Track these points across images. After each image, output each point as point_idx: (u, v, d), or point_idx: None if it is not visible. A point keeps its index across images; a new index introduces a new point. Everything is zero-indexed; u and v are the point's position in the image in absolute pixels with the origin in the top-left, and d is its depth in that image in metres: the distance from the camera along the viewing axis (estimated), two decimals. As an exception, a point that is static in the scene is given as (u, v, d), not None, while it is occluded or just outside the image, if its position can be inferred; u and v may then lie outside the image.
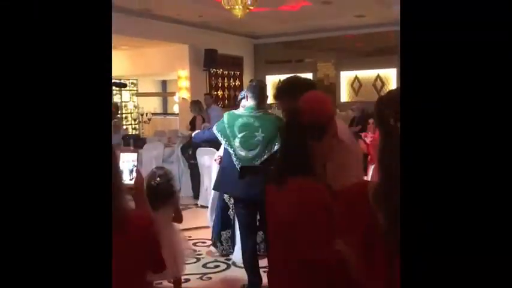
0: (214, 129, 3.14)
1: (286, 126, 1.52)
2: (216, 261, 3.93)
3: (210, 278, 3.62)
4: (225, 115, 3.17)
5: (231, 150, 2.99)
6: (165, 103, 13.00)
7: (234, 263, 3.81)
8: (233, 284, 3.46)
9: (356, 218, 1.14)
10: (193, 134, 3.81)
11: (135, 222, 1.30)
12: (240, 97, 3.81)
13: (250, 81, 3.38)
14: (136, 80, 11.74)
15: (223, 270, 3.77)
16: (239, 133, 2.97)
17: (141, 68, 9.82)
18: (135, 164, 1.50)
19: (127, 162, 1.49)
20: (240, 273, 3.57)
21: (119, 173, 1.33)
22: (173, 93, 10.88)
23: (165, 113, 12.40)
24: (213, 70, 9.67)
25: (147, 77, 11.61)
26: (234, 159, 2.97)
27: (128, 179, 1.49)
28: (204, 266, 3.80)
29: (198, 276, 3.62)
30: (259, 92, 3.05)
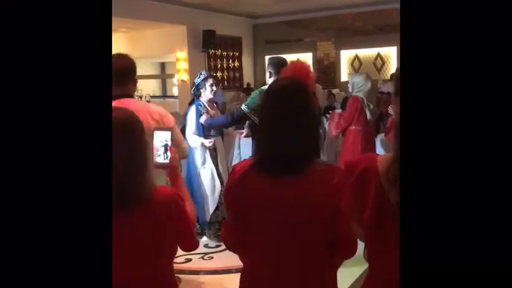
0: (244, 108, 3.19)
1: (288, 103, 1.28)
2: (218, 240, 3.97)
3: (212, 258, 3.67)
4: (256, 92, 3.26)
5: None
6: (164, 85, 12.93)
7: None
8: (234, 264, 3.50)
9: (366, 195, 1.12)
10: (202, 121, 3.77)
11: (162, 200, 1.30)
12: (197, 80, 3.82)
13: (270, 58, 3.40)
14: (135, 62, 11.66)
15: (225, 249, 3.81)
16: None
17: (139, 51, 9.72)
18: (169, 142, 1.49)
19: (160, 141, 1.48)
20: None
21: (148, 150, 1.33)
22: (172, 75, 10.80)
23: (164, 95, 12.35)
24: (211, 51, 9.59)
25: (145, 59, 11.51)
26: None
27: (162, 157, 1.48)
28: (206, 245, 3.85)
29: (200, 256, 3.67)
30: (281, 68, 3.11)
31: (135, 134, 1.28)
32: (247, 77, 10.88)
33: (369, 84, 4.17)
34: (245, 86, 10.55)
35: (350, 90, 4.25)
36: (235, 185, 1.31)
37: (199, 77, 3.82)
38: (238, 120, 3.54)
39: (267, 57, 4.36)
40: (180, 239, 1.37)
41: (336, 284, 1.35)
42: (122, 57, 2.31)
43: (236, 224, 1.35)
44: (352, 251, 1.28)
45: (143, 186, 1.26)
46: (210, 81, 3.79)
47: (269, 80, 3.29)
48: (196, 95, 3.87)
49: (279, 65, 3.16)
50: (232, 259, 3.72)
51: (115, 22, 7.88)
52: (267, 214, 1.27)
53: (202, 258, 3.65)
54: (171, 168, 1.50)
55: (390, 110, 4.25)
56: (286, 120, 1.26)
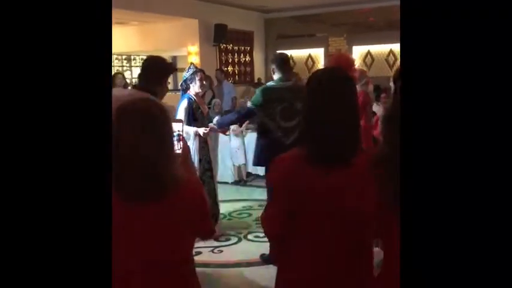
0: (250, 105, 3.27)
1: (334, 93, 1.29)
2: (228, 234, 4.00)
3: (221, 251, 3.69)
4: (260, 89, 3.33)
5: (271, 123, 3.11)
6: (175, 79, 12.96)
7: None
8: (244, 257, 3.52)
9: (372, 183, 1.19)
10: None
11: (187, 189, 1.32)
12: (186, 75, 3.84)
13: (273, 55, 3.49)
14: (147, 55, 11.71)
15: (235, 243, 3.84)
16: (279, 105, 3.09)
17: (151, 44, 9.76)
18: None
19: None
20: (251, 246, 3.63)
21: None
22: (183, 69, 10.83)
23: (175, 89, 12.37)
24: (223, 45, 9.58)
25: (157, 52, 11.50)
26: (277, 131, 3.10)
27: (176, 147, 1.53)
28: (215, 239, 3.87)
29: (210, 249, 3.69)
30: (283, 64, 3.20)
31: (166, 123, 1.31)
32: (259, 71, 10.86)
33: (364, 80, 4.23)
34: (256, 80, 10.53)
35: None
36: (288, 177, 1.31)
37: (188, 71, 3.87)
38: (245, 117, 3.62)
39: (278, 52, 4.39)
40: (201, 226, 1.39)
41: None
42: (156, 59, 2.62)
43: (286, 214, 1.34)
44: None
45: (173, 175, 1.29)
46: (199, 75, 3.84)
47: (274, 76, 3.31)
48: (184, 89, 3.90)
49: (280, 61, 3.20)
50: (241, 253, 3.77)
51: (127, 15, 7.92)
52: (323, 203, 1.29)
53: (212, 251, 3.68)
54: (183, 157, 1.53)
55: (374, 106, 4.32)
56: (339, 111, 1.27)
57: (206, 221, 1.41)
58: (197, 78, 3.82)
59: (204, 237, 1.47)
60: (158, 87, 2.46)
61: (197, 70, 3.91)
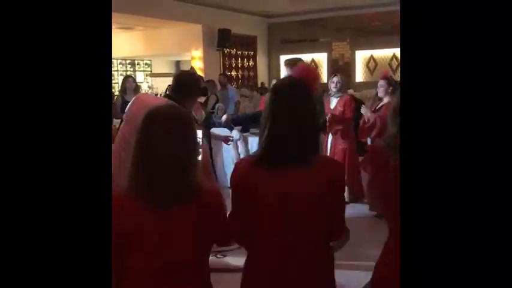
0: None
1: (293, 100, 1.38)
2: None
3: (224, 256, 3.68)
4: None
5: None
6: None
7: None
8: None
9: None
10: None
11: (209, 195, 1.34)
12: None
13: (287, 60, 3.54)
14: (150, 60, 11.75)
15: (238, 248, 3.83)
16: None
17: (155, 49, 9.81)
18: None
19: None
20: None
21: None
22: (201, 86, 10.86)
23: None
24: (226, 50, 9.61)
25: (161, 57, 11.59)
26: None
27: None
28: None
29: (213, 254, 3.69)
30: None
31: (192, 130, 1.34)
32: (262, 76, 10.88)
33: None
34: (259, 85, 10.55)
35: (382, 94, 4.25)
36: (240, 180, 1.38)
37: None
38: (254, 119, 3.61)
39: (281, 57, 4.41)
40: (220, 232, 1.40)
41: (333, 262, 1.44)
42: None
43: (241, 216, 1.41)
44: (345, 235, 1.44)
45: (195, 181, 1.31)
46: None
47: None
48: None
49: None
50: (244, 258, 3.76)
51: (132, 20, 7.97)
52: (272, 205, 1.34)
53: (216, 256, 3.67)
54: (204, 164, 1.53)
55: (362, 109, 4.27)
56: (287, 114, 1.34)
57: (225, 228, 1.42)
58: None
59: (222, 244, 1.48)
60: (188, 102, 2.52)
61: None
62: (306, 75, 1.43)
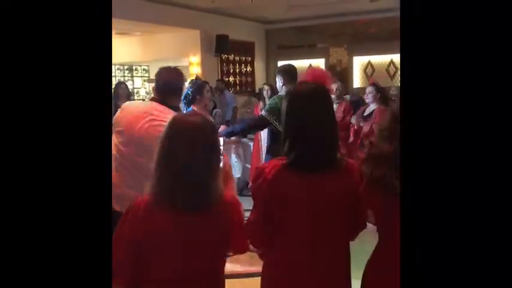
0: (266, 114, 3.23)
1: (313, 103, 1.40)
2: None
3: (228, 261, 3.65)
4: (276, 99, 3.29)
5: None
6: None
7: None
8: (250, 268, 3.46)
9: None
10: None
11: (228, 204, 1.37)
12: (190, 88, 3.56)
13: (280, 67, 3.49)
14: (148, 66, 11.76)
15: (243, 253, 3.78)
16: None
17: (153, 54, 9.82)
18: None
19: None
20: (254, 255, 3.57)
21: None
22: (185, 80, 10.87)
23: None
24: (224, 56, 9.63)
25: (159, 62, 11.58)
26: None
27: None
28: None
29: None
30: (292, 75, 3.21)
31: (215, 140, 1.36)
32: (260, 82, 10.90)
33: None
34: (257, 91, 10.56)
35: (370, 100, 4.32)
36: (269, 184, 1.38)
37: (194, 83, 3.64)
38: (257, 126, 3.57)
39: (279, 63, 4.42)
40: (237, 240, 1.41)
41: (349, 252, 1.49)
42: (171, 71, 2.56)
43: (266, 221, 1.42)
44: (364, 227, 1.49)
45: (216, 188, 1.32)
46: (207, 87, 3.65)
47: (282, 88, 3.31)
48: (188, 103, 3.57)
49: (292, 73, 3.22)
50: (248, 264, 3.70)
51: (130, 25, 7.98)
52: (304, 209, 1.38)
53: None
54: (224, 172, 1.54)
55: (353, 119, 4.39)
56: (318, 121, 1.38)
57: (242, 237, 1.43)
58: (205, 90, 3.61)
59: (237, 252, 1.49)
60: (177, 101, 2.42)
61: (204, 82, 3.75)
62: (321, 79, 1.46)
